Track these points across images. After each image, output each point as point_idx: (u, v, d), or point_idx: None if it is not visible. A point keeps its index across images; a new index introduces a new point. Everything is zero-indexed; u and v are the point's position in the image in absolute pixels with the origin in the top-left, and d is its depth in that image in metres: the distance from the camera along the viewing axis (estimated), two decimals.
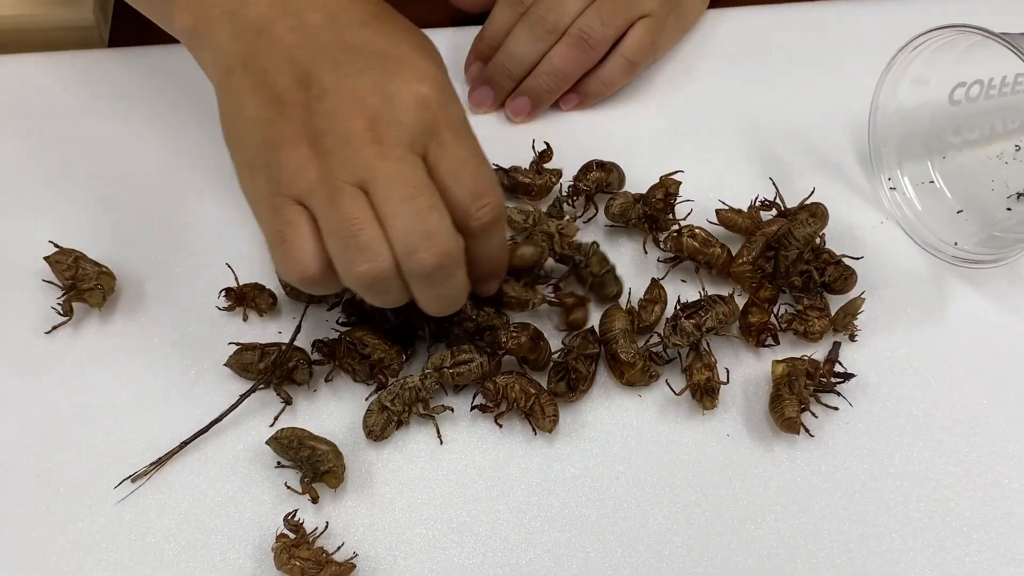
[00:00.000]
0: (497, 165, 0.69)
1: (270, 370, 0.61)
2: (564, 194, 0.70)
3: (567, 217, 0.67)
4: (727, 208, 0.68)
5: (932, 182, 0.72)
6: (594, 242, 0.66)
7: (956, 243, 0.68)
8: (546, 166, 0.70)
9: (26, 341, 0.64)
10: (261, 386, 0.61)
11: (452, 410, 0.61)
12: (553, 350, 0.63)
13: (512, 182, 0.69)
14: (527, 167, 0.70)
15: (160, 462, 0.59)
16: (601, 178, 0.69)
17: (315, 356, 0.62)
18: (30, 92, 0.75)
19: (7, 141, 0.72)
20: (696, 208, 0.69)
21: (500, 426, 0.61)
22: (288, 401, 0.61)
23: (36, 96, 0.75)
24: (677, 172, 0.68)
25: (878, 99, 0.70)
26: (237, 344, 0.62)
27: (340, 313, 0.63)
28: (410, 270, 0.52)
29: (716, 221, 0.68)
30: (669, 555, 0.57)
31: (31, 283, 0.66)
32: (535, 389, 0.60)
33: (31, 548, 0.57)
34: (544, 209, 0.69)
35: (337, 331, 0.63)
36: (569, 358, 0.61)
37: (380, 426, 0.59)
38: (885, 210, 0.71)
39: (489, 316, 0.62)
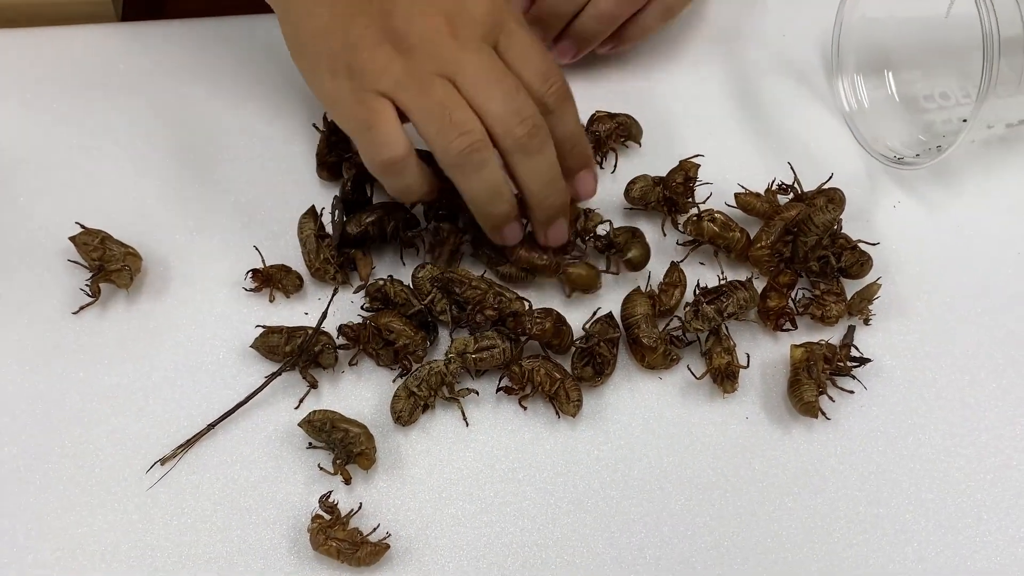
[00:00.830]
0: None
1: (296, 354, 0.61)
2: None
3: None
4: (745, 192, 0.69)
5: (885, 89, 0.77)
6: (608, 221, 0.67)
7: (888, 144, 0.73)
8: None
9: (53, 322, 0.64)
10: (287, 369, 0.62)
11: (477, 393, 0.62)
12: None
13: None
14: None
15: (188, 444, 0.60)
16: (610, 127, 0.71)
17: (340, 341, 0.63)
18: (43, 66, 0.74)
19: (22, 116, 0.72)
20: (715, 191, 0.70)
21: (524, 408, 0.62)
22: (314, 384, 0.62)
23: (49, 70, 0.74)
24: (697, 156, 0.69)
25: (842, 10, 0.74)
26: (263, 327, 0.63)
27: (364, 298, 0.64)
28: (510, 146, 0.57)
29: (734, 204, 0.69)
30: (691, 535, 0.59)
31: (56, 263, 0.66)
32: (560, 374, 0.61)
33: (65, 531, 0.58)
34: None
35: (362, 316, 0.64)
36: (592, 343, 0.62)
37: (408, 411, 0.60)
38: (839, 107, 0.75)
39: (510, 302, 0.62)
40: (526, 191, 0.60)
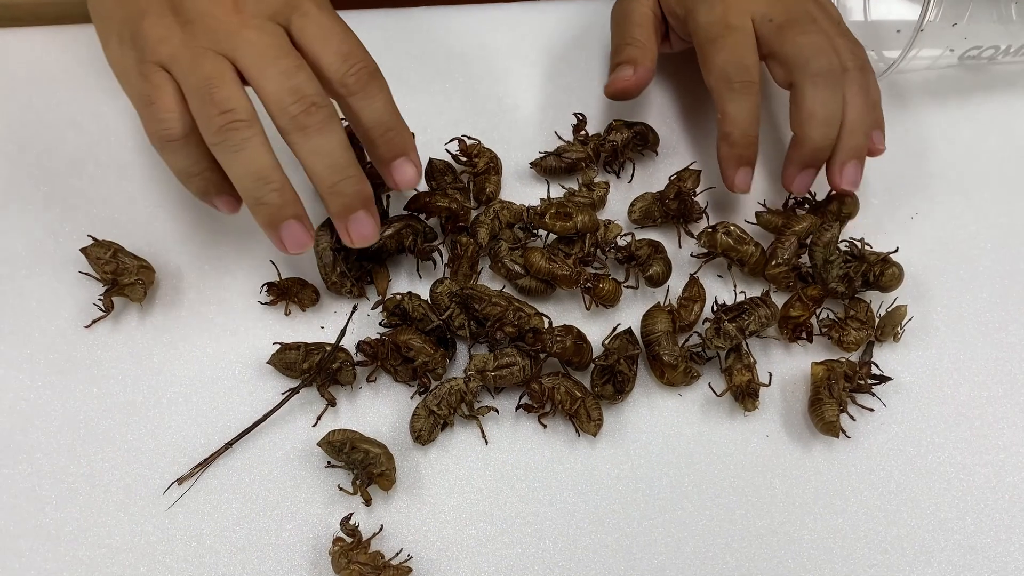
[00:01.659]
0: (544, 151, 0.70)
1: (315, 371, 0.61)
2: (593, 163, 0.71)
3: (601, 189, 0.68)
4: (766, 211, 0.68)
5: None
6: (630, 233, 0.67)
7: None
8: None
9: (65, 335, 0.63)
10: (305, 386, 0.61)
11: (497, 411, 0.62)
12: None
13: (567, 163, 0.69)
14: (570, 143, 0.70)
15: (206, 463, 0.60)
16: (627, 136, 0.70)
17: (359, 357, 0.62)
18: (51, 66, 0.73)
19: (29, 119, 0.70)
20: (732, 202, 0.70)
21: (544, 426, 0.62)
22: (332, 403, 0.61)
23: (58, 71, 0.72)
24: (692, 164, 0.69)
25: None
26: (280, 343, 0.62)
27: (382, 314, 0.63)
28: (285, 125, 0.54)
29: (754, 222, 0.68)
30: (712, 555, 0.59)
31: (66, 274, 0.65)
32: (580, 392, 0.61)
33: (82, 552, 0.58)
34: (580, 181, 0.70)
35: (380, 333, 0.63)
36: (612, 360, 0.62)
37: (427, 430, 0.60)
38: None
39: (530, 317, 0.62)
40: (309, 174, 0.56)
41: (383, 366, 0.62)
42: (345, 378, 0.61)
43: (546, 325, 0.62)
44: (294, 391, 0.61)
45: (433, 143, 0.70)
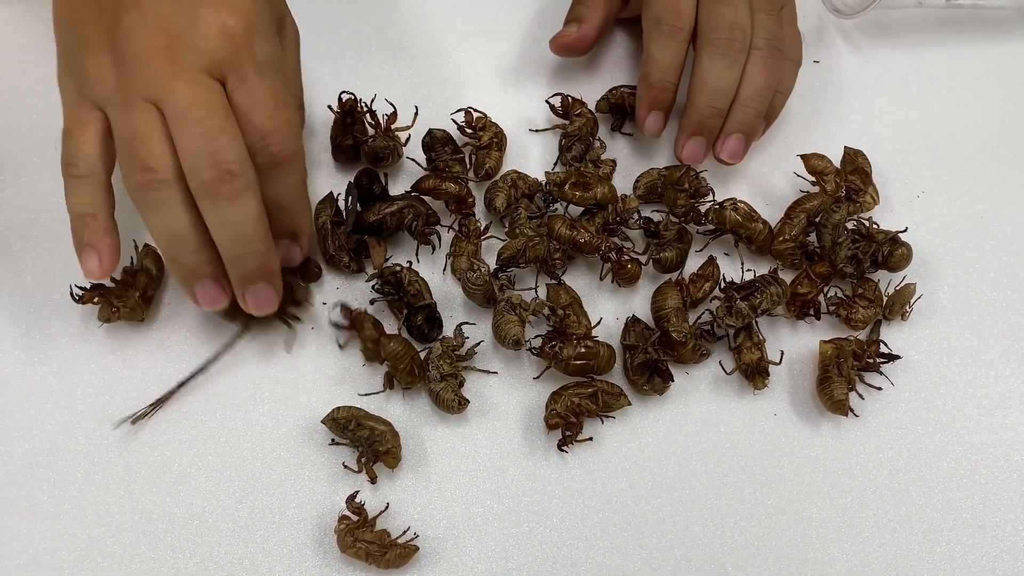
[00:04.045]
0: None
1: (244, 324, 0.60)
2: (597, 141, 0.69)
3: (607, 166, 0.68)
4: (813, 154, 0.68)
5: None
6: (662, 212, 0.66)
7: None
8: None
9: (60, 309, 0.62)
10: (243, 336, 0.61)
11: (496, 373, 0.62)
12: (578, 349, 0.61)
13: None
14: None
15: (160, 403, 0.59)
16: (626, 92, 0.69)
17: (376, 290, 0.62)
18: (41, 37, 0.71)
19: (26, 94, 0.69)
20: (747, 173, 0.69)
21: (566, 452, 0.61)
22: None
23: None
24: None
25: None
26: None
27: (376, 281, 0.62)
28: (196, 189, 0.52)
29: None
30: (720, 533, 0.59)
31: (58, 246, 0.63)
32: (591, 388, 0.60)
33: (80, 533, 0.56)
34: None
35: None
36: (648, 357, 0.61)
37: (454, 396, 0.59)
38: None
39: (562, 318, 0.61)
40: (216, 242, 0.54)
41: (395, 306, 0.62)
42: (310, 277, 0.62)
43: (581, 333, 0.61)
44: (243, 330, 0.60)
45: (432, 117, 0.68)
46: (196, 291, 0.55)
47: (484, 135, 0.67)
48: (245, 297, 0.55)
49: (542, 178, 0.66)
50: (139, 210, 0.53)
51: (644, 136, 0.67)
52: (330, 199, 0.64)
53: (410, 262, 0.63)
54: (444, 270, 0.65)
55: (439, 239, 0.65)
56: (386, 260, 0.64)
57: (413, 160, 0.67)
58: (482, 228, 0.64)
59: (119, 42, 0.52)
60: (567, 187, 0.64)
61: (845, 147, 0.68)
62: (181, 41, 0.52)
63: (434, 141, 0.66)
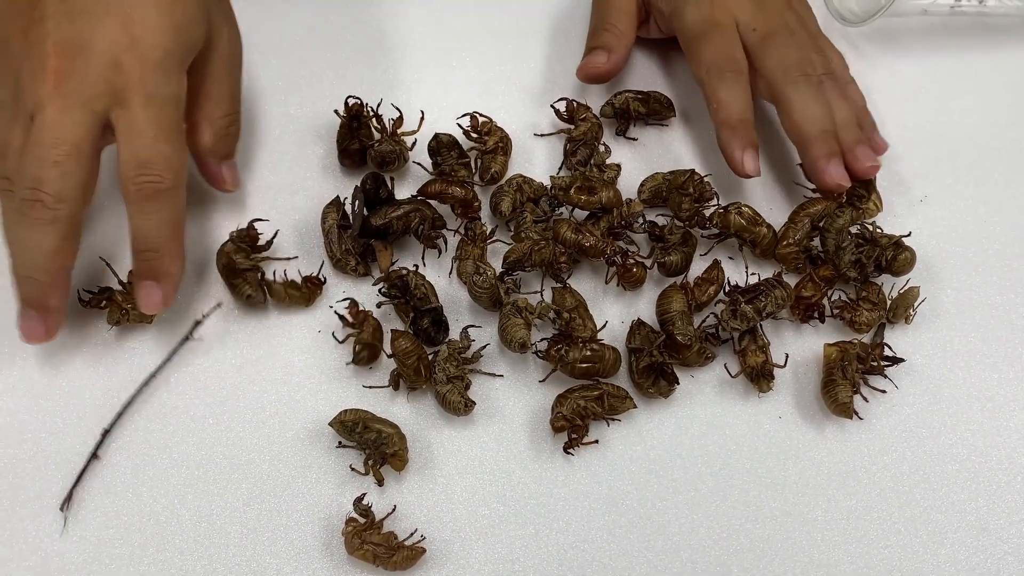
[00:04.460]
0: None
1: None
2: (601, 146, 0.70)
3: (612, 171, 0.68)
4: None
5: None
6: (672, 218, 0.66)
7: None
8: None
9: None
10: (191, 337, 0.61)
11: (502, 376, 0.62)
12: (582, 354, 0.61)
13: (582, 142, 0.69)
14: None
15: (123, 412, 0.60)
16: (630, 97, 0.70)
17: (383, 291, 0.62)
18: None
19: None
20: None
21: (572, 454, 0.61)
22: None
23: None
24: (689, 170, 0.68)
25: None
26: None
27: (383, 285, 0.62)
28: (5, 205, 0.54)
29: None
30: (725, 536, 0.59)
31: None
32: (597, 391, 0.60)
33: (84, 531, 0.57)
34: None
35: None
36: (652, 359, 0.61)
37: (461, 399, 0.59)
38: None
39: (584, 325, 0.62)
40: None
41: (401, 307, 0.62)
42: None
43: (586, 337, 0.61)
44: (198, 324, 0.61)
45: (438, 121, 0.68)
46: (21, 317, 0.55)
47: (489, 139, 0.67)
48: (19, 319, 0.55)
49: (547, 182, 0.66)
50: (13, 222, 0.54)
51: (747, 178, 0.67)
52: (337, 203, 0.65)
53: (416, 265, 0.63)
54: (450, 273, 0.65)
55: (445, 243, 0.65)
56: (392, 264, 0.65)
57: (419, 164, 0.67)
58: (488, 232, 0.65)
59: (23, 52, 0.53)
60: (572, 191, 0.65)
61: None
62: (72, 65, 0.52)
63: (440, 145, 0.67)
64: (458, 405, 0.59)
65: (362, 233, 0.64)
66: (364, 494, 0.57)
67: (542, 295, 0.64)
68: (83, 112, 0.53)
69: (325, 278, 0.63)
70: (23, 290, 0.55)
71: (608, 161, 0.69)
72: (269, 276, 0.63)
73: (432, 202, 0.65)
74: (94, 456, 0.58)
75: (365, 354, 0.60)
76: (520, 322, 0.60)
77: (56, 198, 0.52)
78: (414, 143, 0.67)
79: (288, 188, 0.67)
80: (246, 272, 0.62)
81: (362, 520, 0.56)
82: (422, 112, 0.67)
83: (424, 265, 0.65)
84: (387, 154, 0.66)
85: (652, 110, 0.71)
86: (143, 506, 0.57)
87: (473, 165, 0.68)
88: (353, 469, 0.58)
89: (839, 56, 0.70)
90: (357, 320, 0.60)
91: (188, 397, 0.60)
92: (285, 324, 0.62)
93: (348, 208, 0.65)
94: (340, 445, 0.59)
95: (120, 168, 0.54)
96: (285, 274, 0.63)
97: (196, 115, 0.60)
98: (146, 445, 0.59)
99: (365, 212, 0.64)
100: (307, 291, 0.62)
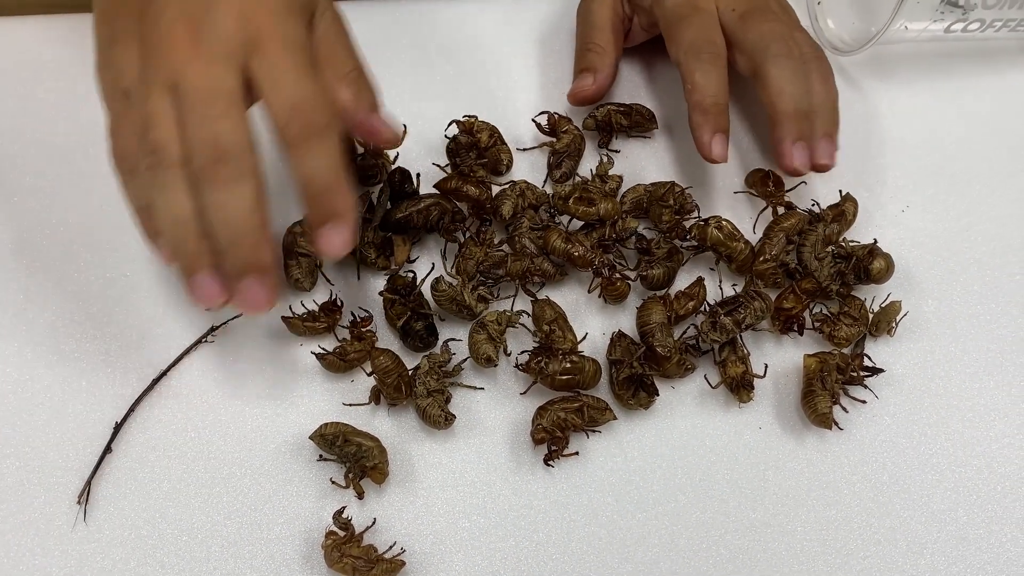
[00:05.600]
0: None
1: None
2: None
3: (613, 181, 0.68)
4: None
5: None
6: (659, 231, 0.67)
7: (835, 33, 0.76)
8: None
9: (54, 327, 0.62)
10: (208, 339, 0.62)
11: (483, 388, 0.63)
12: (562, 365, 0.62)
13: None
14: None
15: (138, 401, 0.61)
16: (612, 110, 0.70)
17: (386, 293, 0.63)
18: (33, 56, 0.72)
19: (16, 109, 0.69)
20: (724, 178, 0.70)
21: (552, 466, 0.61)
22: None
23: (39, 60, 0.71)
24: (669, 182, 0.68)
25: None
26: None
27: (387, 282, 0.63)
28: (192, 173, 0.51)
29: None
30: (705, 547, 0.59)
31: (52, 263, 0.64)
32: (577, 403, 0.60)
33: (70, 544, 0.57)
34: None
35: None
36: (632, 371, 0.61)
37: (440, 412, 0.59)
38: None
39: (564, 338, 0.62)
40: (209, 232, 0.51)
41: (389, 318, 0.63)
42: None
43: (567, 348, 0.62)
44: (212, 330, 0.62)
45: (426, 132, 0.69)
46: (192, 285, 0.52)
47: (482, 136, 0.68)
48: (235, 294, 0.53)
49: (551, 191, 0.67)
50: (149, 190, 0.52)
51: (712, 163, 0.66)
52: (363, 196, 0.66)
53: (438, 279, 0.64)
54: (451, 269, 0.65)
55: (464, 236, 0.66)
56: (411, 260, 0.65)
57: (437, 165, 0.68)
58: (495, 240, 0.65)
59: (144, 31, 0.53)
60: (571, 201, 0.65)
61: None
62: (200, 26, 0.51)
63: (459, 148, 0.68)
64: (438, 419, 0.59)
65: (382, 226, 0.64)
66: (344, 507, 0.57)
67: (513, 305, 0.64)
68: (225, 66, 0.51)
69: (342, 301, 0.63)
70: (230, 262, 0.51)
71: (611, 172, 0.69)
72: (286, 312, 0.63)
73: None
74: (107, 450, 0.59)
75: (337, 361, 0.61)
76: (483, 337, 0.61)
77: (241, 147, 0.50)
78: (396, 157, 0.67)
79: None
80: (301, 257, 0.63)
81: (342, 533, 0.56)
82: (404, 126, 0.67)
83: (445, 258, 0.66)
84: (368, 168, 0.66)
85: (634, 122, 0.71)
86: (124, 519, 0.58)
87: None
88: (333, 482, 0.59)
89: (818, 45, 0.69)
90: (361, 335, 0.61)
91: (169, 410, 0.61)
92: (268, 337, 0.63)
93: (373, 198, 0.66)
94: (321, 458, 0.59)
95: (273, 116, 0.52)
96: (303, 306, 0.63)
97: (326, 77, 0.57)
98: (126, 458, 0.59)
99: (388, 205, 0.65)
100: (325, 320, 0.62)
